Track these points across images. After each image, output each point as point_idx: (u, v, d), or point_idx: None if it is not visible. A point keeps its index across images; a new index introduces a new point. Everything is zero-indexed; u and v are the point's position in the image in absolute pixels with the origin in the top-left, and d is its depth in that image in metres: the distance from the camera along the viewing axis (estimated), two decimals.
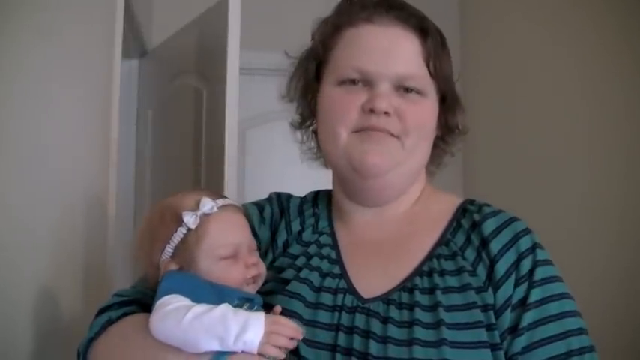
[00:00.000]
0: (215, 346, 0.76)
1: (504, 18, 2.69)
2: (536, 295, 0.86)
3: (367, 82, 0.92)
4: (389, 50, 0.92)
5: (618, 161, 1.95)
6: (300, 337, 0.81)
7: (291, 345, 0.80)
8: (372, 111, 0.90)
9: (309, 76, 1.00)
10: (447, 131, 1.01)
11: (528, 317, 0.85)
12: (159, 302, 0.81)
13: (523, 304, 0.86)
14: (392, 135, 0.91)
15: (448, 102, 0.98)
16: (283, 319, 0.81)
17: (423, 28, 0.94)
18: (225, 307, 0.78)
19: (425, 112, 0.94)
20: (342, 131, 0.92)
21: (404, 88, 0.92)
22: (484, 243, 0.90)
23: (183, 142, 2.39)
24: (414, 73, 0.92)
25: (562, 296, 0.87)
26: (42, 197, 1.09)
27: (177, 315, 0.78)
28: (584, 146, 2.11)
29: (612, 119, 1.98)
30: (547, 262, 0.89)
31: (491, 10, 2.84)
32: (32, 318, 1.03)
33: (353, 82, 0.92)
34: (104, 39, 1.75)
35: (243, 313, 0.78)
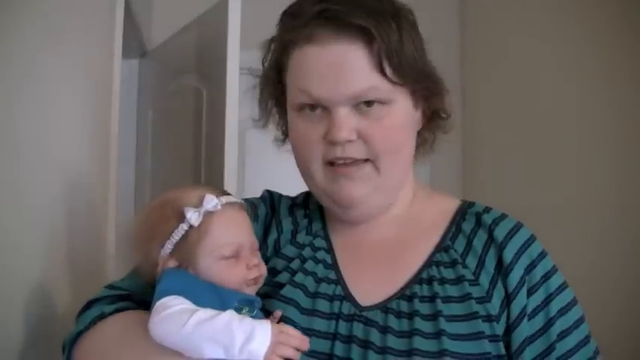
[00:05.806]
0: (219, 355, 0.74)
1: (505, 16, 2.69)
2: (556, 305, 0.87)
3: (323, 107, 0.87)
4: (336, 72, 0.85)
5: (623, 160, 1.94)
6: (306, 349, 0.78)
7: (297, 356, 0.77)
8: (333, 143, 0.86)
9: (275, 99, 0.97)
10: (433, 118, 0.95)
11: (556, 329, 0.86)
12: (159, 303, 0.78)
13: (547, 317, 0.86)
14: (363, 160, 0.87)
15: (424, 91, 0.91)
16: (291, 329, 0.78)
17: (367, 32, 0.84)
18: (230, 314, 0.76)
19: (393, 125, 0.87)
20: (314, 167, 0.89)
21: (365, 103, 0.86)
22: (497, 247, 0.88)
23: (183, 142, 2.39)
24: (368, 88, 0.85)
25: (575, 302, 0.89)
26: (41, 197, 1.09)
27: (179, 319, 0.75)
28: (587, 145, 2.10)
29: (617, 118, 1.98)
30: (556, 269, 0.89)
31: (491, 9, 2.84)
32: (26, 319, 1.02)
33: (312, 106, 0.88)
34: (104, 39, 1.75)
35: (249, 322, 0.76)
